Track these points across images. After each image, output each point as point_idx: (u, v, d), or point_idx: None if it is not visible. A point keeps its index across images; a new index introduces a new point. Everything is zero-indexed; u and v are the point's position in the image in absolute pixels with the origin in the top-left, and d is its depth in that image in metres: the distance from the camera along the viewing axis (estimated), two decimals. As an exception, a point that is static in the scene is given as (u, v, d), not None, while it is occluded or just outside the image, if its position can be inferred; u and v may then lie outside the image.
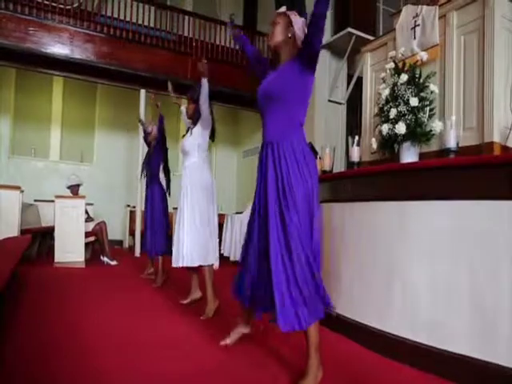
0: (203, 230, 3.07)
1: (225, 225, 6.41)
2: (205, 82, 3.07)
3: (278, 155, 1.88)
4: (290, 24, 1.98)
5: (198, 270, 3.24)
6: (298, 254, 1.77)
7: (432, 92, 2.68)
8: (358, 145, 3.05)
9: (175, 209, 6.98)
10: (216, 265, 3.19)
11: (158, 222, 4.43)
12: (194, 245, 3.04)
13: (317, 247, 1.86)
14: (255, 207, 2.01)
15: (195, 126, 3.23)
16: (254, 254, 1.98)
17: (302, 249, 1.78)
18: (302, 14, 2.05)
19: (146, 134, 4.87)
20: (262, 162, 1.99)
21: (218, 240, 3.23)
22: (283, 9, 2.06)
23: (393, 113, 2.67)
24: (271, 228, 1.84)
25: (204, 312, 2.96)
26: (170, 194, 4.61)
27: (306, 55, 1.86)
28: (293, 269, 1.76)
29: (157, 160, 4.63)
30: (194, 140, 3.20)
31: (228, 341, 2.21)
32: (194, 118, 3.27)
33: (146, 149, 5.05)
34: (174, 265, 3.11)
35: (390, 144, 2.77)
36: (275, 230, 1.83)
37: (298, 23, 1.99)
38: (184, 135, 3.36)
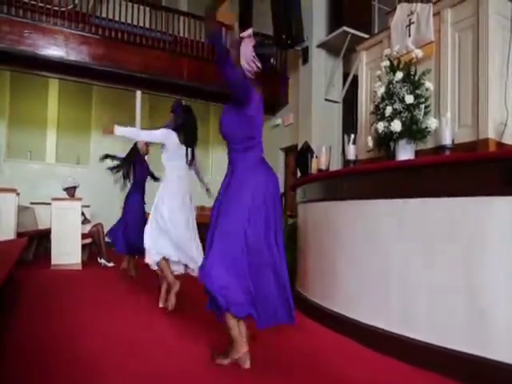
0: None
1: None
2: None
3: None
4: None
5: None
6: None
7: (427, 89, 2.69)
8: (354, 143, 3.05)
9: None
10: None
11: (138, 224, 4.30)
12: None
13: None
14: None
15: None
16: None
17: None
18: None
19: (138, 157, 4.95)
20: None
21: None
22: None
23: (388, 110, 2.66)
24: None
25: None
26: None
27: None
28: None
29: (147, 170, 4.85)
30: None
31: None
32: None
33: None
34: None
35: (385, 142, 2.77)
36: None
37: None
38: None
